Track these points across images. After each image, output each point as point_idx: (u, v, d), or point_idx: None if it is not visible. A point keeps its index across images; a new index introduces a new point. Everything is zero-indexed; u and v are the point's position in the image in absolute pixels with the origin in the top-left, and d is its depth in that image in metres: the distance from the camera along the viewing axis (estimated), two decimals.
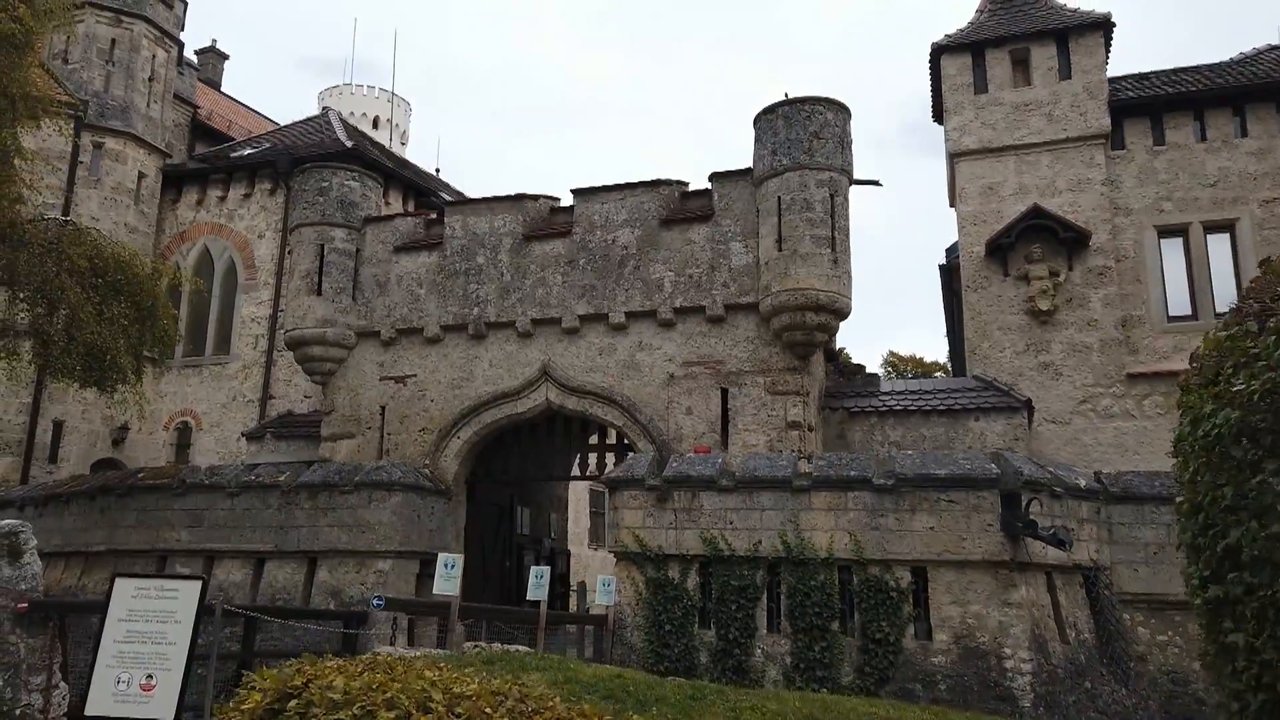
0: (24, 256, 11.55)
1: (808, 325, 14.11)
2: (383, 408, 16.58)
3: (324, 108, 45.99)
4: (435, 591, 9.40)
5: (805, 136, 14.34)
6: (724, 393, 14.76)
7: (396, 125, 74.12)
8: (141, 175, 22.51)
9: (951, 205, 20.43)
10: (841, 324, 14.64)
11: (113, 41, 22.44)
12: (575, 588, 21.56)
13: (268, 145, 24.71)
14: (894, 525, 11.92)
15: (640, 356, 15.30)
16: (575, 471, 16.80)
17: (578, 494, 25.16)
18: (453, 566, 9.13)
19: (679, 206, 15.76)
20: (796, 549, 12.15)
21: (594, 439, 16.75)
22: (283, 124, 30.35)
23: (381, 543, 14.22)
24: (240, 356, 21.86)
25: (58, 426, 20.31)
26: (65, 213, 19.25)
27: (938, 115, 20.70)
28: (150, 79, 22.99)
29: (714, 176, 15.40)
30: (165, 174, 23.31)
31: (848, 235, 14.45)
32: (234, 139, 26.92)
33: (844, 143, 14.61)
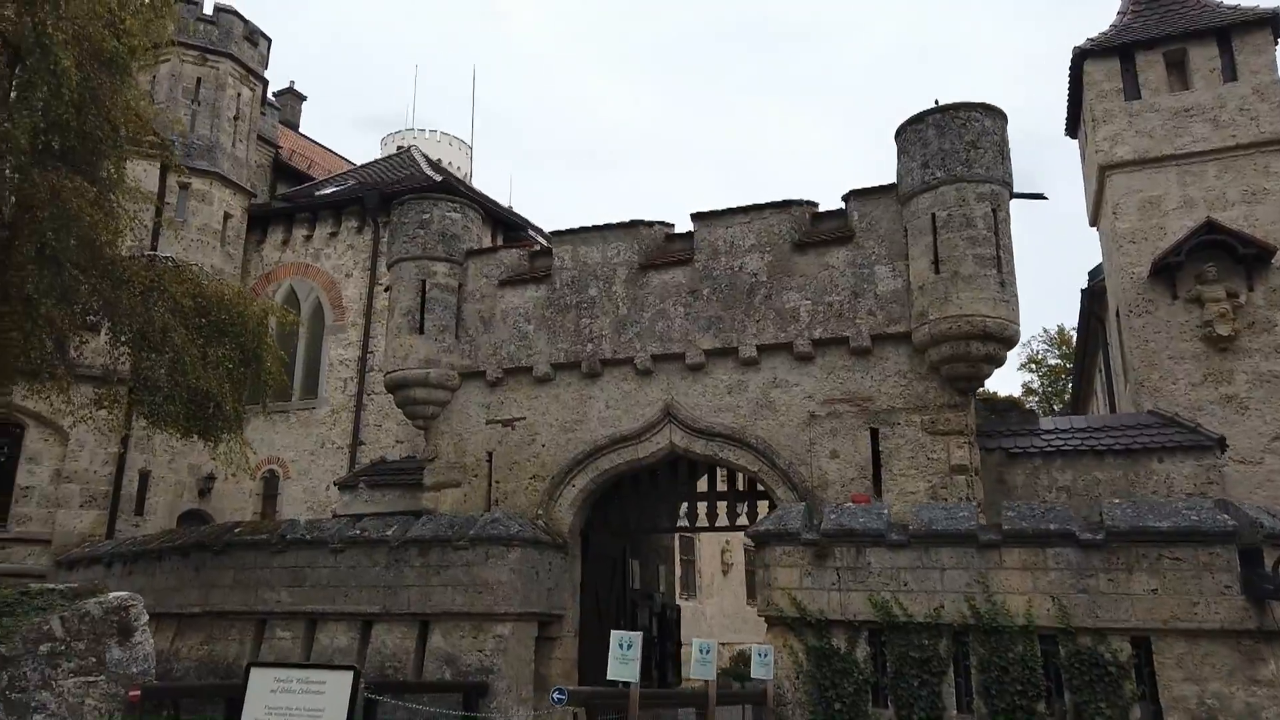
0: (125, 295, 10.61)
1: (973, 356, 12.54)
2: (490, 453, 15.32)
3: (398, 147, 45.79)
4: (611, 675, 8.00)
5: (961, 146, 12.89)
6: (874, 433, 13.21)
7: (459, 168, 74.41)
8: (227, 216, 21.88)
9: (1093, 224, 18.76)
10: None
11: (198, 80, 21.98)
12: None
13: (352, 183, 24.03)
14: (1106, 587, 10.22)
15: (775, 394, 13.85)
16: (702, 521, 15.27)
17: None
18: (630, 646, 7.73)
19: (811, 229, 14.38)
20: (988, 615, 10.51)
21: (722, 485, 15.27)
22: (360, 164, 29.82)
23: (500, 604, 12.87)
24: (328, 401, 20.90)
25: (144, 477, 19.46)
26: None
27: (1072, 128, 19.13)
28: (235, 117, 22.46)
29: (852, 195, 14.01)
30: (250, 214, 22.68)
31: (1012, 254, 12.91)
32: (314, 179, 26.37)
33: (1003, 152, 13.13)
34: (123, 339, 11.03)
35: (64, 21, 9.18)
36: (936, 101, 13.22)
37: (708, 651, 9.25)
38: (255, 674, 6.43)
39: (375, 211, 21.74)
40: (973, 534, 10.78)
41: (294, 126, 31.02)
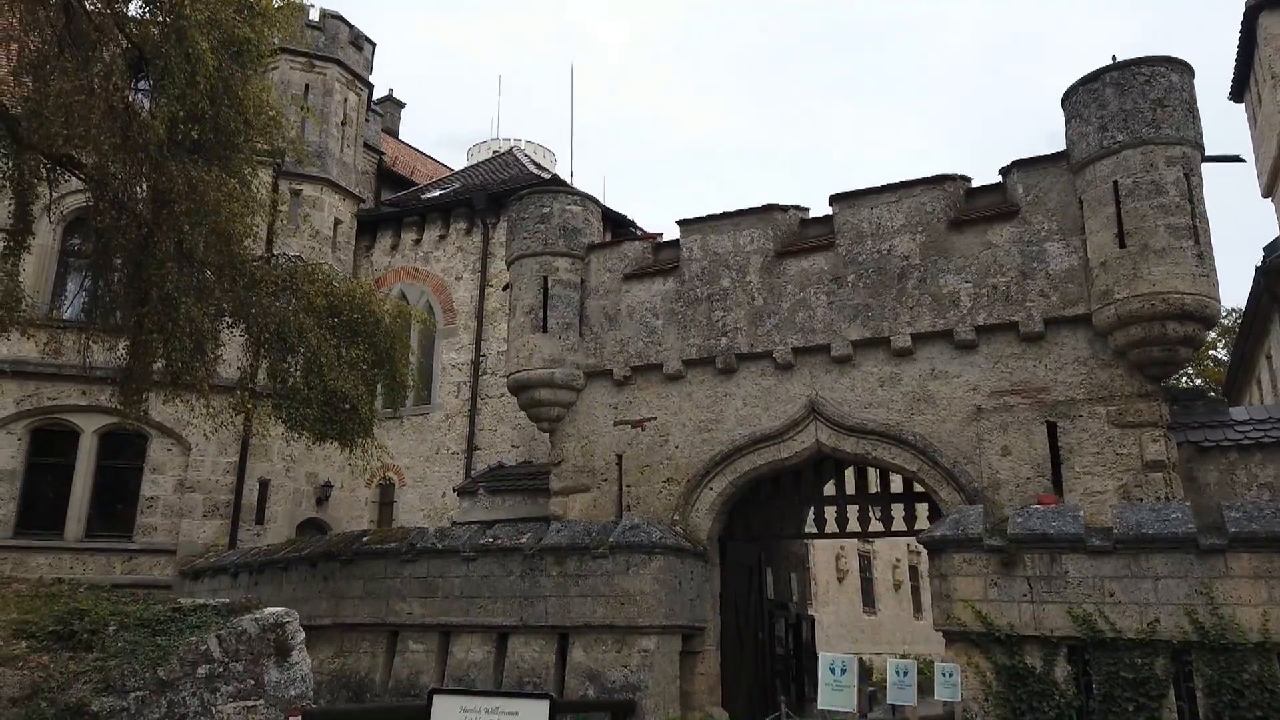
0: (259, 295, 10.19)
1: (1169, 339, 11.20)
2: (619, 456, 14.54)
3: (493, 152, 45.77)
4: (823, 705, 7.08)
5: (1146, 105, 11.56)
6: (1050, 427, 11.96)
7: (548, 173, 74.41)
8: (338, 221, 21.71)
9: (1267, 195, 17.03)
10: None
11: (306, 87, 21.85)
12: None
13: (458, 185, 23.69)
14: None
15: (934, 386, 12.71)
16: (853, 526, 14.19)
17: None
18: (843, 671, 6.77)
19: (967, 205, 13.21)
20: (1214, 630, 9.21)
21: (875, 487, 14.18)
22: (462, 168, 29.59)
23: (644, 616, 12.03)
24: (442, 406, 20.48)
25: (263, 486, 19.32)
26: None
27: (1237, 92, 17.46)
28: (343, 123, 22.30)
29: (1015, 165, 12.78)
30: (358, 219, 22.49)
31: (1208, 223, 11.52)
32: (418, 184, 26.16)
33: (1193, 111, 11.74)
34: (259, 338, 10.60)
35: (199, 4, 8.78)
36: (1114, 58, 11.93)
37: (905, 674, 8.22)
38: (439, 701, 5.71)
39: (484, 213, 21.31)
40: (1191, 538, 9.49)
41: (394, 134, 30.98)
